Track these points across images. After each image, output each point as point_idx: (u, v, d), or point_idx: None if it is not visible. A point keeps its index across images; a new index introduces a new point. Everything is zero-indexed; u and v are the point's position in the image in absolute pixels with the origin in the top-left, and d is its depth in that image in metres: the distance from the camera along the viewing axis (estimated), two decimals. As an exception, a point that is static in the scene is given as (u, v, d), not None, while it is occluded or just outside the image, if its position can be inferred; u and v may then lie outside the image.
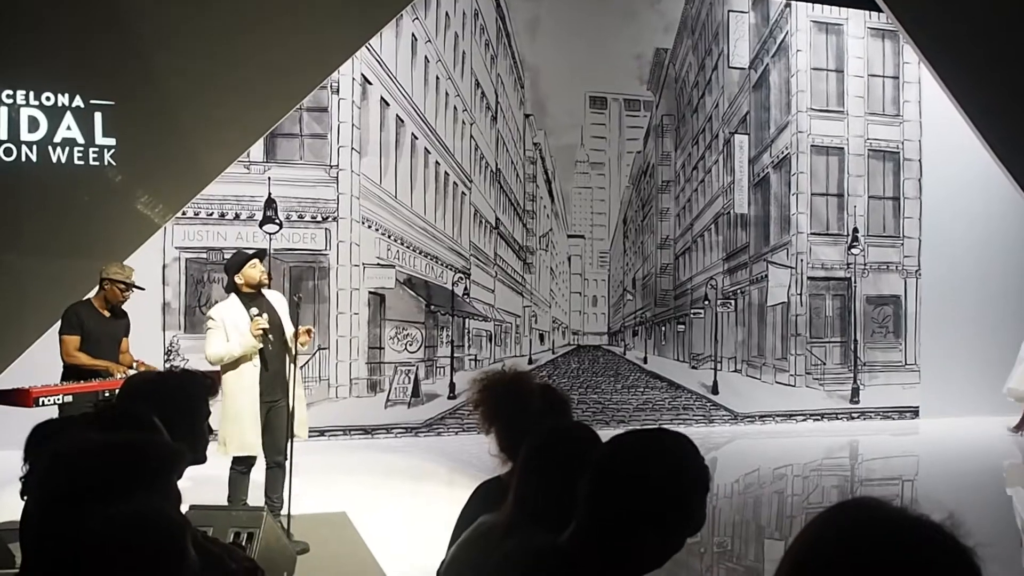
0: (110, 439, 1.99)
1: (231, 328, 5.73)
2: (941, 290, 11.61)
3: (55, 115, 7.95)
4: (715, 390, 11.07)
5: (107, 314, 6.54)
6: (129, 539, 1.47)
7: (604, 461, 1.83)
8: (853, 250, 11.57)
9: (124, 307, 6.64)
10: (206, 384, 3.00)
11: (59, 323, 6.46)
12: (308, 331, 5.89)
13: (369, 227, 9.81)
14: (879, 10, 10.00)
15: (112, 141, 8.03)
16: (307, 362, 9.35)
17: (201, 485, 6.53)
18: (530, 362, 10.60)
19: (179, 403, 2.77)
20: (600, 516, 1.77)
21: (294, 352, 5.86)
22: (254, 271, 5.87)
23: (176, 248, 9.14)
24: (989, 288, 11.63)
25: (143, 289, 6.75)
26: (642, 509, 1.74)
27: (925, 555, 1.13)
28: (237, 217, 9.32)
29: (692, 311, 11.28)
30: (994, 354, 11.52)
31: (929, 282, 11.69)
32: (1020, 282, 11.72)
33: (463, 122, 10.50)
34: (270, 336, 5.81)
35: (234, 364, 5.76)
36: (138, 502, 1.55)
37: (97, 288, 6.55)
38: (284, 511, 5.70)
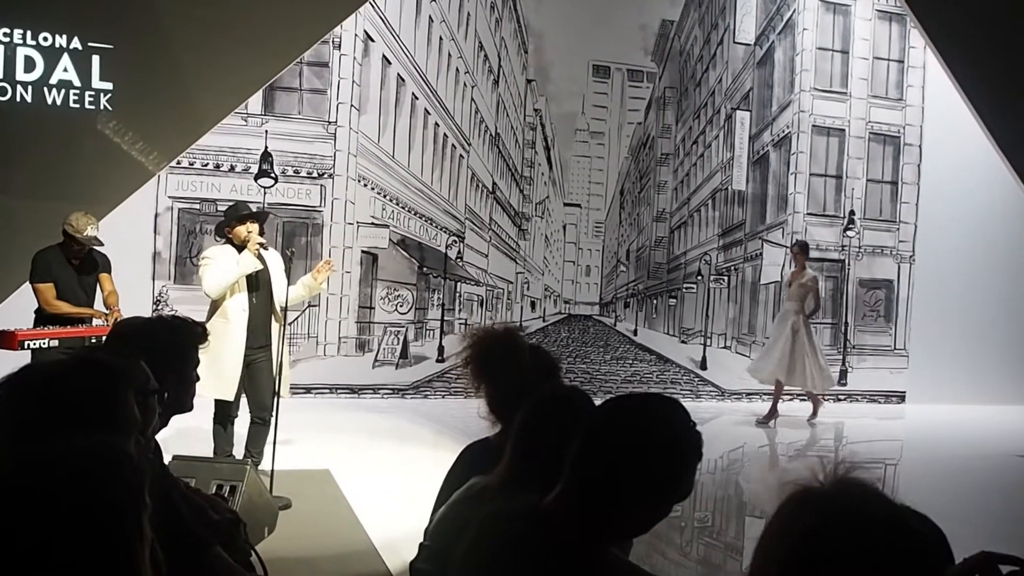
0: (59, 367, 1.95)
1: (226, 268, 5.72)
2: (934, 277, 11.61)
3: (52, 56, 7.82)
4: (703, 365, 11.08)
5: (75, 261, 6.25)
6: (71, 472, 1.34)
7: (596, 424, 1.80)
8: (849, 232, 11.54)
9: (110, 252, 6.47)
10: (196, 331, 2.96)
11: (30, 271, 6.19)
12: (328, 262, 6.04)
13: (365, 185, 9.74)
14: (888, -8, 9.91)
15: (109, 85, 7.91)
16: (296, 319, 9.31)
17: (188, 437, 6.52)
18: (520, 329, 10.58)
19: (168, 349, 2.73)
20: (587, 480, 1.75)
21: (285, 305, 5.85)
22: (242, 229, 5.81)
23: (169, 197, 9.06)
24: (981, 277, 11.64)
25: (101, 244, 6.29)
26: (630, 474, 1.72)
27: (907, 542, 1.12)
28: (232, 169, 9.24)
29: (684, 286, 11.26)
30: (983, 343, 11.57)
31: (922, 268, 11.69)
32: (1012, 274, 11.73)
33: (464, 84, 10.40)
34: (267, 247, 5.85)
35: (224, 311, 5.74)
36: (90, 437, 1.43)
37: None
38: (267, 467, 5.69)
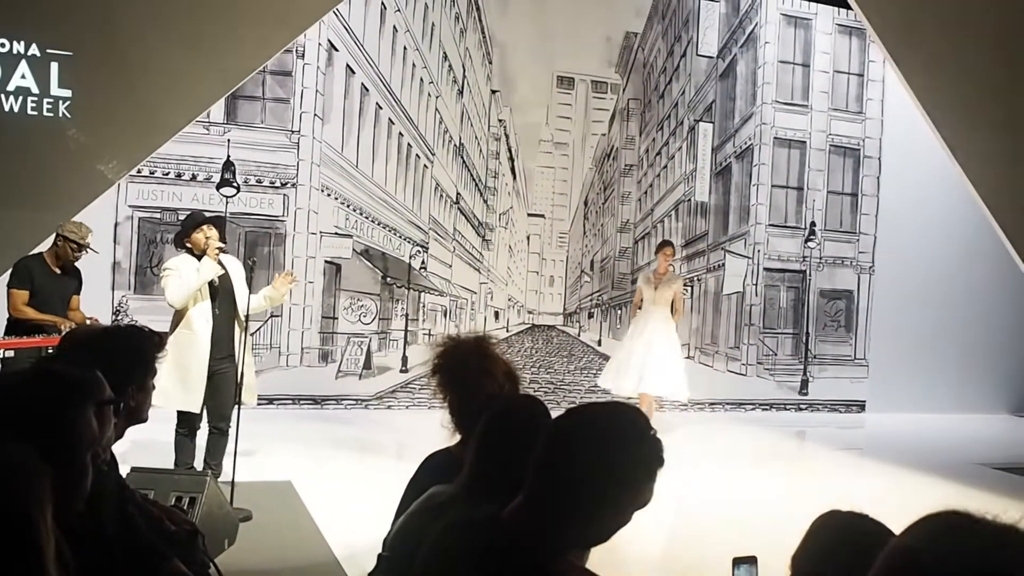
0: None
1: (187, 277, 5.70)
2: (893, 287, 11.77)
3: (9, 63, 7.69)
4: (667, 376, 11.11)
5: (58, 271, 6.44)
6: None
7: (557, 433, 1.80)
8: (810, 243, 11.67)
9: (75, 265, 6.55)
10: (153, 340, 2.92)
11: (8, 275, 6.31)
12: (289, 273, 6.08)
13: (328, 195, 9.69)
14: (848, 7, 10.03)
15: (68, 93, 7.79)
16: (259, 329, 9.23)
17: (148, 449, 6.44)
18: (490, 338, 10.55)
19: (124, 358, 2.69)
20: (547, 488, 1.75)
21: (247, 314, 5.82)
22: (199, 236, 5.80)
23: (129, 206, 8.96)
24: (939, 288, 11.80)
25: (96, 252, 6.68)
26: (591, 483, 1.72)
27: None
28: (194, 178, 9.16)
29: (648, 296, 11.29)
30: (940, 353, 11.74)
31: (882, 279, 11.84)
32: (968, 284, 11.91)
33: (429, 94, 10.39)
34: (226, 250, 5.82)
35: (187, 321, 5.70)
36: None
37: (51, 243, 6.42)
38: (228, 478, 5.63)
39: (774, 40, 11.55)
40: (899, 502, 6.65)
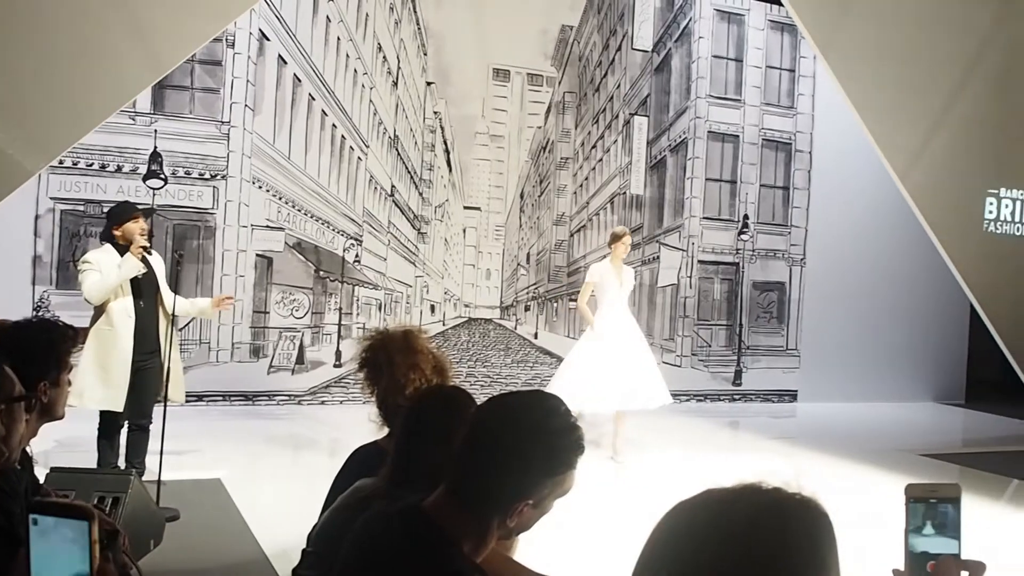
0: None
1: (107, 272, 5.53)
2: (823, 279, 11.97)
3: (-78, 49, 7.41)
4: (603, 368, 11.15)
5: None
6: None
7: (476, 422, 1.78)
8: (743, 236, 11.81)
9: None
10: (68, 335, 2.83)
11: None
12: (230, 298, 6.19)
13: (259, 187, 9.53)
14: (780, 3, 10.17)
15: (-16, 80, 7.53)
16: (187, 324, 9.04)
17: (71, 449, 6.25)
18: (423, 333, 10.47)
19: (35, 353, 2.60)
20: (468, 478, 1.72)
21: (171, 313, 5.68)
22: (135, 226, 5.64)
23: (51, 199, 8.69)
24: (867, 279, 12.04)
25: None
26: (511, 472, 1.70)
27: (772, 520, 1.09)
28: (119, 169, 8.92)
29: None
30: (869, 343, 11.98)
31: (812, 271, 12.03)
32: (896, 276, 12.17)
33: (363, 86, 10.27)
34: (151, 251, 5.67)
35: (108, 317, 5.54)
36: None
37: None
38: (154, 477, 5.50)
39: (708, 35, 11.65)
40: (826, 487, 6.75)
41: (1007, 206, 10.92)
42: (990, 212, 10.80)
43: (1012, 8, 10.65)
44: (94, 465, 5.58)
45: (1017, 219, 10.99)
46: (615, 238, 8.05)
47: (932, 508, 1.35)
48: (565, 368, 7.97)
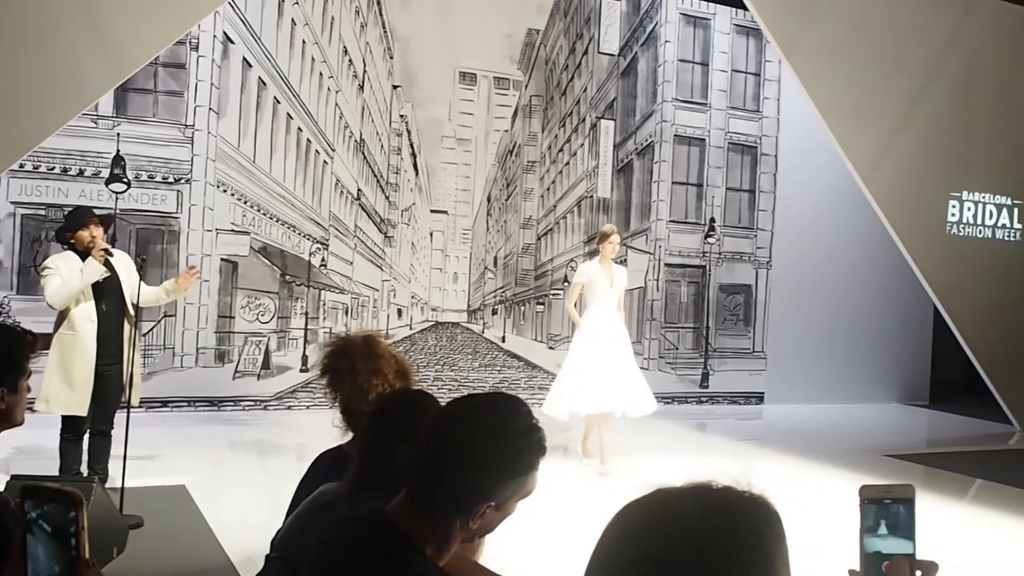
0: None
1: (69, 277, 5.46)
2: (789, 281, 12.07)
3: None
4: (571, 371, 11.16)
5: None
6: None
7: (437, 425, 1.77)
8: (709, 239, 11.88)
9: None
10: (26, 340, 2.78)
11: None
12: (193, 268, 6.01)
13: (224, 191, 9.44)
14: (745, 8, 10.26)
15: (-58, 83, 7.41)
16: (151, 329, 8.95)
17: (31, 456, 6.16)
18: (387, 337, 10.42)
19: (-9, 359, 2.54)
20: (429, 481, 1.71)
21: (135, 312, 5.62)
22: (85, 234, 5.56)
23: (11, 203, 8.58)
24: (831, 282, 12.15)
25: None
26: (472, 474, 1.69)
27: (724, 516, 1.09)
28: (81, 173, 8.81)
29: (551, 292, 11.36)
30: (834, 345, 12.09)
31: (778, 273, 12.13)
32: (861, 279, 12.30)
33: (328, 89, 10.22)
34: (113, 253, 5.58)
35: (70, 322, 5.48)
36: None
37: None
38: (118, 484, 5.43)
39: (674, 39, 11.72)
40: (789, 487, 6.82)
41: (969, 209, 11.09)
42: (953, 215, 10.96)
43: (974, 16, 10.82)
44: (55, 472, 5.50)
45: (979, 221, 11.16)
46: (603, 236, 7.69)
47: (885, 508, 1.36)
48: (564, 374, 7.87)
